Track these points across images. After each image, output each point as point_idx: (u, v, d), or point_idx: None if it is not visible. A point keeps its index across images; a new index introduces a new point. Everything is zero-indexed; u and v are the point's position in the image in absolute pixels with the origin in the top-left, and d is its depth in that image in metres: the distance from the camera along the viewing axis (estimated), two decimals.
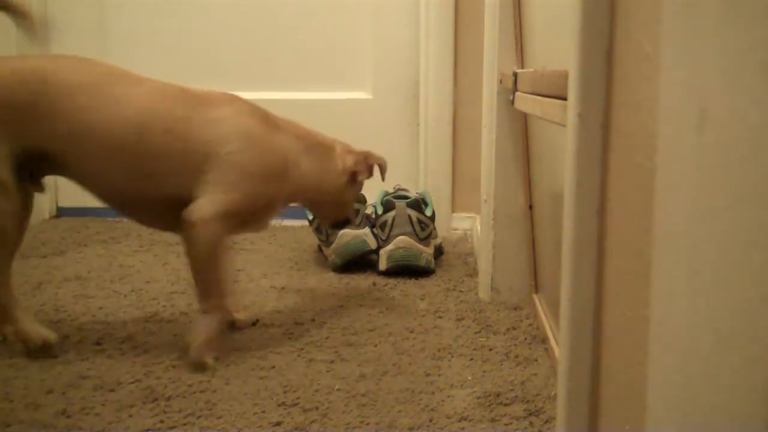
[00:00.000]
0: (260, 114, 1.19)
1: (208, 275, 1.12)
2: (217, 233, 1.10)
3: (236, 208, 1.12)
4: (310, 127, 1.28)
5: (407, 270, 1.56)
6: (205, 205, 1.09)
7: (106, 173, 1.12)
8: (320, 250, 1.72)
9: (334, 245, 1.59)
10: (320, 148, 1.25)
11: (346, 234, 1.58)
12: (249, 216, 1.16)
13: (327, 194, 1.28)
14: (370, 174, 1.33)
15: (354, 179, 1.30)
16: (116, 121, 1.10)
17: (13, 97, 1.08)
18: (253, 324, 1.27)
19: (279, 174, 1.18)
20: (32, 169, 1.13)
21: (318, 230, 1.66)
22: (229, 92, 1.20)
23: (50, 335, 1.13)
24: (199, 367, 1.08)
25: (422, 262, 1.56)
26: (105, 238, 1.89)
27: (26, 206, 1.15)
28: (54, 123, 1.09)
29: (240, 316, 1.26)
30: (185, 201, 1.11)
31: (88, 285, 1.49)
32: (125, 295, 1.42)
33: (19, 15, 1.16)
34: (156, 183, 1.12)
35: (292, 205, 1.30)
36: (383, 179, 1.35)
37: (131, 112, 1.10)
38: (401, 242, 1.55)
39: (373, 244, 1.61)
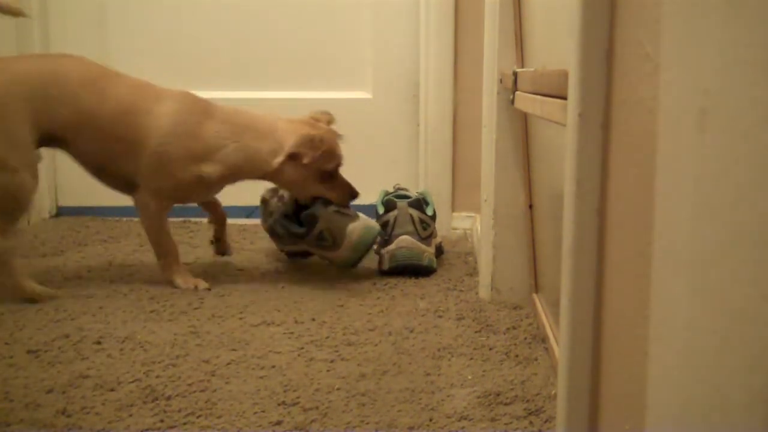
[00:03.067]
0: (199, 107, 1.45)
1: (158, 240, 1.48)
2: (155, 211, 1.46)
3: (166, 191, 1.44)
4: (256, 112, 1.48)
5: (409, 270, 1.56)
6: (143, 192, 1.44)
7: (91, 151, 1.44)
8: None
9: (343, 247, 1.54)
10: (252, 131, 1.44)
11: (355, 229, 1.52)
12: (183, 192, 1.47)
13: (265, 173, 1.45)
14: (321, 158, 1.44)
15: (295, 159, 1.42)
16: (101, 110, 1.40)
17: (33, 93, 1.36)
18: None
19: (199, 157, 1.41)
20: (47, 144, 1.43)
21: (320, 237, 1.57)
22: (186, 90, 1.48)
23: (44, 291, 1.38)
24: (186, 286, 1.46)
25: (425, 262, 1.56)
26: (105, 237, 1.89)
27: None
28: (63, 111, 1.39)
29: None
30: (133, 179, 1.44)
31: (88, 284, 1.49)
32: (125, 295, 1.42)
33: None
34: (117, 162, 1.44)
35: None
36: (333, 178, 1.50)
37: (110, 105, 1.41)
38: (403, 242, 1.55)
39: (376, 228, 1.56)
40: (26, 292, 1.36)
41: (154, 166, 1.41)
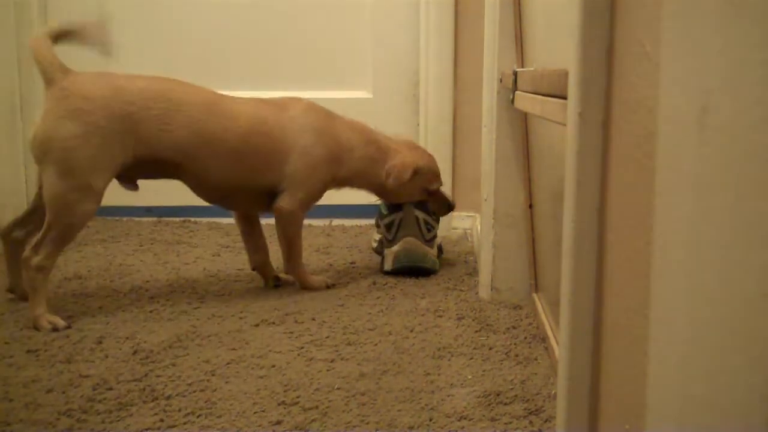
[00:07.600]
0: (324, 111, 1.49)
1: (295, 243, 1.46)
2: (300, 217, 1.45)
3: (310, 195, 1.45)
4: (364, 125, 1.54)
5: (412, 271, 1.56)
6: (288, 200, 1.42)
7: (217, 172, 1.37)
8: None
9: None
10: (374, 144, 1.52)
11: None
12: (318, 196, 1.48)
13: (375, 184, 1.54)
14: (433, 178, 1.59)
15: (413, 175, 1.53)
16: (230, 130, 1.37)
17: (140, 113, 1.29)
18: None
19: (336, 158, 1.47)
20: (133, 172, 1.35)
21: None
22: (293, 96, 1.51)
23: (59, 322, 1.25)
24: (319, 286, 1.48)
25: (427, 264, 1.57)
26: (105, 237, 1.89)
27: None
28: (181, 134, 1.32)
29: (285, 276, 1.53)
30: (274, 189, 1.42)
31: (88, 284, 1.49)
32: (125, 294, 1.42)
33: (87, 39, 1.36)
34: (255, 176, 1.41)
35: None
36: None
37: (241, 122, 1.38)
38: (408, 243, 1.56)
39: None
40: (42, 326, 1.23)
41: (301, 169, 1.42)
